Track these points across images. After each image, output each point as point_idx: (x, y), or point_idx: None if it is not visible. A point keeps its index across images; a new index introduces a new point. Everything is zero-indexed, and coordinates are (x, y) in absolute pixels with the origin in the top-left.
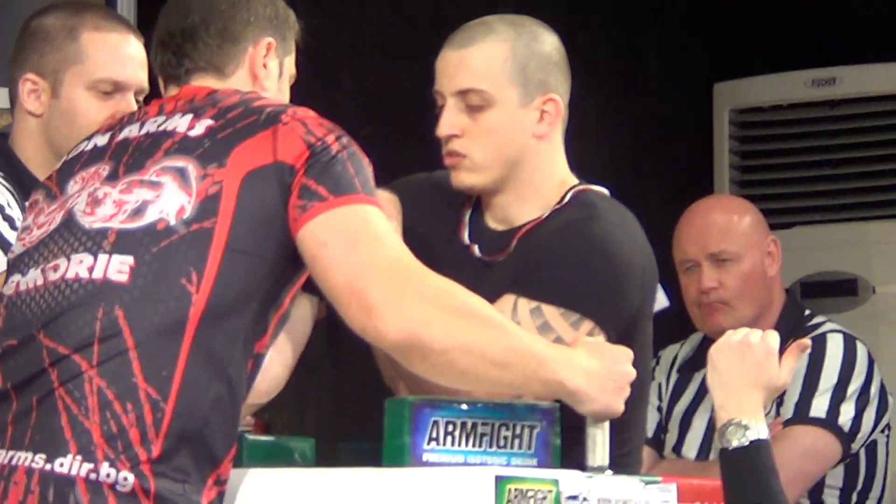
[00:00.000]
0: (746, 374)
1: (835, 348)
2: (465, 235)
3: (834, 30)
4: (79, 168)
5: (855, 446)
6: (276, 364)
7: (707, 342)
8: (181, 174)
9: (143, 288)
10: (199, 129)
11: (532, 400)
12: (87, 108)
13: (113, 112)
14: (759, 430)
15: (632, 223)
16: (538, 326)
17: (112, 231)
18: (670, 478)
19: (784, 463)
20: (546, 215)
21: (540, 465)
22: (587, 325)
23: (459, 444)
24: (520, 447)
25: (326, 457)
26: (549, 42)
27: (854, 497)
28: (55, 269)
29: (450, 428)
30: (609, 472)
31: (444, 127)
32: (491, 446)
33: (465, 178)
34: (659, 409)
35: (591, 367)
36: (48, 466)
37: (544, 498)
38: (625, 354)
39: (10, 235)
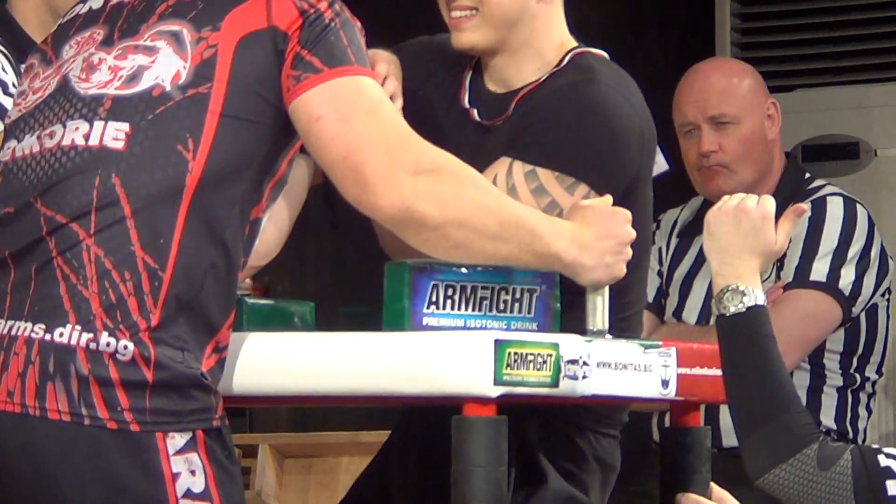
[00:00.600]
0: (742, 239)
1: (835, 211)
2: (464, 99)
3: None
4: (74, 32)
5: (855, 310)
6: (273, 226)
7: (707, 205)
8: (176, 38)
9: (139, 155)
10: None
11: None
12: None
13: None
14: (755, 295)
15: (630, 86)
16: (532, 190)
17: (108, 97)
18: (670, 342)
19: (784, 327)
20: (544, 78)
21: (539, 329)
22: (583, 189)
23: (459, 308)
24: (519, 311)
25: (326, 321)
26: None
27: (855, 361)
28: (51, 135)
29: (449, 292)
30: (609, 335)
31: None
32: (490, 310)
33: (466, 38)
34: (659, 273)
35: (587, 236)
36: (48, 336)
37: (544, 362)
38: (623, 216)
39: (5, 101)
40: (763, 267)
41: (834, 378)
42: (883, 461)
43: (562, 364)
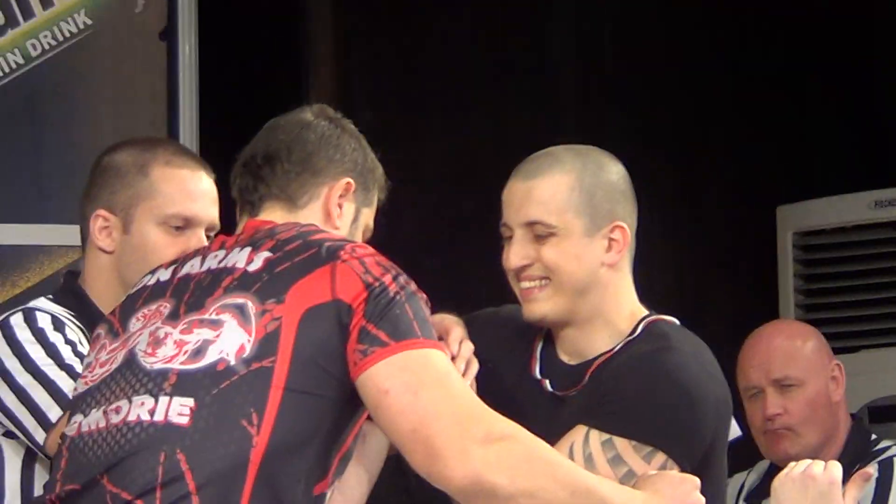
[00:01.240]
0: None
1: None
2: (536, 370)
3: None
4: (141, 304)
5: None
6: (351, 498)
7: (774, 470)
8: (241, 311)
9: (203, 431)
10: (258, 262)
11: None
12: (158, 244)
13: (184, 248)
14: None
15: (705, 354)
16: (609, 459)
17: (173, 372)
18: None
19: None
20: (618, 347)
21: None
22: (660, 457)
23: None
24: None
25: None
26: (614, 171)
27: None
28: (117, 411)
29: None
30: None
31: (514, 258)
32: None
33: (536, 309)
34: None
35: None
36: None
37: None
38: (692, 483)
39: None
40: None
41: None
42: None
43: None
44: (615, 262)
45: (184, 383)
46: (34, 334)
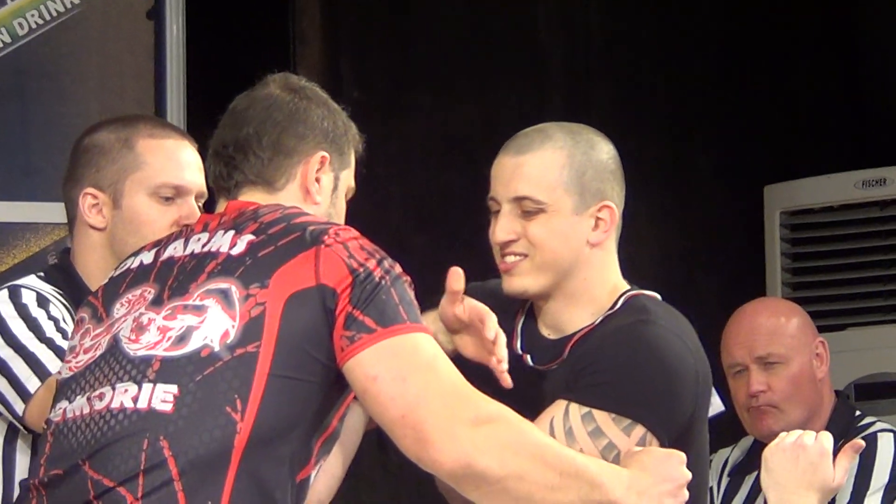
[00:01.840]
0: (800, 475)
1: (886, 448)
2: (517, 345)
3: (883, 131)
4: (124, 289)
5: None
6: (325, 474)
7: (757, 446)
8: (225, 296)
9: (187, 417)
10: (241, 245)
11: None
12: (150, 216)
13: (176, 218)
14: None
15: (685, 327)
16: (590, 432)
17: (156, 359)
18: None
19: None
20: (598, 321)
21: None
22: (639, 430)
23: None
24: None
25: None
26: (605, 150)
27: None
28: (100, 397)
29: None
30: None
31: (500, 233)
32: None
33: (518, 284)
34: None
35: (645, 482)
36: None
37: None
38: (678, 458)
39: (65, 345)
40: (821, 503)
41: None
42: None
43: None
44: (601, 242)
45: (167, 370)
46: (17, 309)
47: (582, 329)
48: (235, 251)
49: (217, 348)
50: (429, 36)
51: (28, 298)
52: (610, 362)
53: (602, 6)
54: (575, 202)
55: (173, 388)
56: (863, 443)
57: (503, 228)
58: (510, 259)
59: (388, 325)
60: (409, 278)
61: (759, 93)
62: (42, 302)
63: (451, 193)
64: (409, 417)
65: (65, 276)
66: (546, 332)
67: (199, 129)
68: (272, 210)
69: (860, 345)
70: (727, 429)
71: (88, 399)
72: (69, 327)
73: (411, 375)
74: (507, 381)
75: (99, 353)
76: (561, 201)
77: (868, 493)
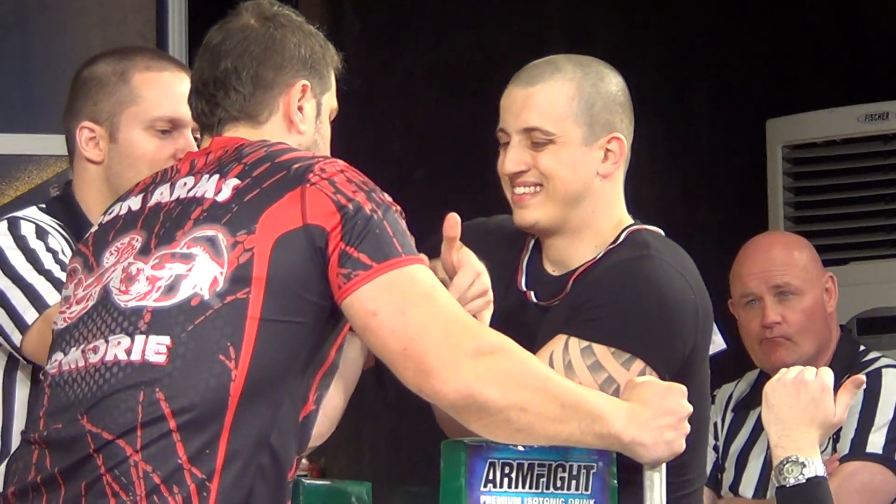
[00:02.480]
0: (802, 411)
1: (890, 383)
2: (521, 281)
3: (886, 65)
4: (113, 237)
5: None
6: (328, 406)
7: (763, 379)
8: (212, 244)
9: (181, 369)
10: (226, 191)
11: None
12: (147, 149)
13: (173, 151)
14: (815, 466)
15: (686, 262)
16: (589, 366)
17: (147, 310)
18: None
19: (841, 499)
20: (600, 255)
21: None
22: (638, 364)
23: (516, 486)
24: (577, 488)
25: (383, 501)
26: (614, 82)
27: None
28: (94, 350)
29: (506, 470)
30: None
31: (510, 164)
32: (548, 488)
33: (528, 215)
34: (715, 448)
35: (645, 415)
36: None
37: None
38: (679, 391)
39: (63, 277)
40: (822, 438)
41: None
42: None
43: None
44: (610, 174)
45: (158, 321)
46: (15, 241)
47: (584, 264)
48: (221, 197)
49: (207, 296)
50: None
51: (27, 230)
52: (610, 297)
53: None
54: (584, 133)
55: (166, 340)
56: (864, 378)
57: (513, 160)
58: (521, 190)
59: (384, 259)
60: (399, 207)
61: (761, 26)
62: (41, 234)
63: (452, 126)
64: (411, 350)
65: (66, 208)
66: (550, 269)
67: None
68: (256, 149)
69: (862, 279)
70: (730, 364)
71: (83, 352)
72: (68, 259)
73: (410, 308)
74: None
75: (91, 304)
76: (570, 132)
77: (872, 428)
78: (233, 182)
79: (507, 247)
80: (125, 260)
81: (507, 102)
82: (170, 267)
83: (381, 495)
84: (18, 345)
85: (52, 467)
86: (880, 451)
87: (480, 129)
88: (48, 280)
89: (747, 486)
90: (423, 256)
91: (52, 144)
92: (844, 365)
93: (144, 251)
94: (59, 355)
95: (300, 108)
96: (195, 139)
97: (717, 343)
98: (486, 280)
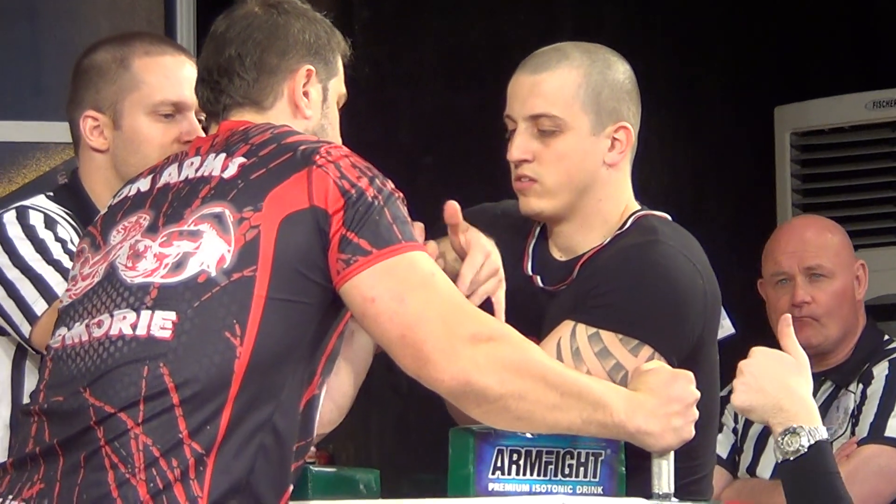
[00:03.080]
0: (786, 368)
1: None
2: (528, 266)
3: (894, 52)
4: (121, 216)
5: None
6: (337, 393)
7: None
8: (219, 220)
9: (186, 344)
10: (232, 168)
11: None
12: (151, 134)
13: (178, 135)
14: (811, 432)
15: (693, 247)
16: (597, 352)
17: (154, 286)
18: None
19: (858, 482)
20: (607, 241)
21: (605, 493)
22: (646, 350)
23: (524, 473)
24: (585, 475)
25: (391, 488)
26: (622, 70)
27: None
28: (99, 325)
29: (514, 457)
30: (675, 499)
31: (516, 151)
32: (556, 475)
33: (534, 203)
34: (734, 430)
35: (651, 403)
36: None
37: None
38: (685, 377)
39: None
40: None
41: None
42: None
43: None
44: (617, 163)
45: (165, 297)
46: (24, 230)
47: (591, 249)
48: (227, 174)
49: (214, 273)
50: None
51: (35, 219)
52: (617, 282)
53: None
54: (591, 121)
55: (171, 315)
56: (790, 316)
57: (518, 147)
58: (521, 179)
59: (384, 245)
60: (401, 194)
61: (770, 13)
62: (49, 223)
63: (461, 114)
64: (409, 336)
65: (74, 196)
66: (557, 254)
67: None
68: (262, 130)
69: (871, 266)
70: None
71: (87, 326)
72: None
73: (409, 294)
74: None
75: (96, 280)
76: (577, 120)
77: (892, 413)
78: (239, 160)
79: (514, 232)
80: (132, 237)
81: (514, 89)
82: (177, 244)
83: (390, 482)
84: (28, 336)
85: (52, 439)
86: None
87: (489, 118)
88: (57, 270)
89: (765, 468)
90: (432, 243)
91: (60, 131)
92: (868, 352)
93: (152, 229)
94: (62, 330)
95: (306, 94)
96: (200, 122)
97: (726, 327)
98: (496, 259)
